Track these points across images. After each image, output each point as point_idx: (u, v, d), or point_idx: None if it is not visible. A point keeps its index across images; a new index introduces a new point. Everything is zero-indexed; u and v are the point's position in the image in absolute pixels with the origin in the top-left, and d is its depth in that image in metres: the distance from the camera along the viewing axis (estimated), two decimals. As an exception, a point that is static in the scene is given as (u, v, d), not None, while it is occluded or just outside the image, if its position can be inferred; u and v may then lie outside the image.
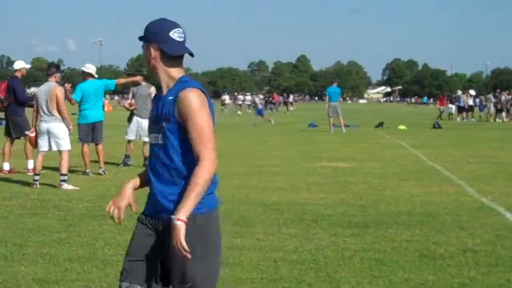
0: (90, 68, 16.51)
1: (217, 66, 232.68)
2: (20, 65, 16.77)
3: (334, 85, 35.54)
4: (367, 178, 15.22)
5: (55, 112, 13.93)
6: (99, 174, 15.74)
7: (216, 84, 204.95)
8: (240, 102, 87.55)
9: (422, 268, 7.62)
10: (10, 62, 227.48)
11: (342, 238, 9.14)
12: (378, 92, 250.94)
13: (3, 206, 11.42)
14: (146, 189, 4.46)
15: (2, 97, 16.32)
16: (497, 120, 51.47)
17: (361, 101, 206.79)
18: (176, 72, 4.31)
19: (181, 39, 4.32)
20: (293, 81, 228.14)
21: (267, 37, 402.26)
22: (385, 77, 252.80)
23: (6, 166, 16.19)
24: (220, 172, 15.30)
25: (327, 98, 34.97)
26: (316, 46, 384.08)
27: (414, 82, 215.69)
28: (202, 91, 4.21)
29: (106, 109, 79.63)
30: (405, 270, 7.51)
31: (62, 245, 8.65)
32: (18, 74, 16.58)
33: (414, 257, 8.11)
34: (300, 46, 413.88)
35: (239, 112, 75.10)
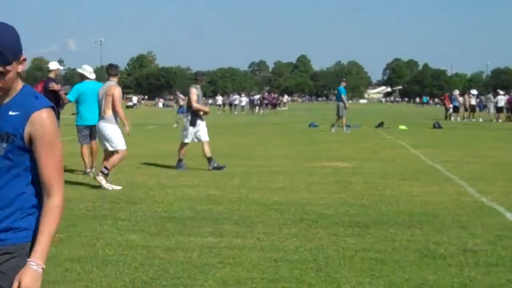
0: (86, 69, 16.55)
1: (218, 66, 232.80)
2: (54, 66, 17.12)
3: (341, 85, 35.46)
4: (368, 178, 15.22)
5: (108, 112, 13.85)
6: (86, 174, 15.87)
7: (216, 84, 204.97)
8: (219, 102, 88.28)
9: (423, 268, 7.61)
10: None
11: (342, 238, 9.14)
12: (378, 92, 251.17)
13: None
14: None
15: None
16: (499, 120, 51.51)
17: (361, 101, 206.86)
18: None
19: None
20: (294, 81, 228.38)
21: (267, 37, 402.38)
22: (385, 77, 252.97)
23: None
24: (221, 172, 15.29)
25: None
26: (317, 46, 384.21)
27: (415, 82, 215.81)
28: (53, 108, 3.62)
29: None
30: (406, 270, 7.50)
31: (62, 245, 8.64)
32: (52, 75, 16.82)
33: (414, 257, 8.11)
34: (300, 46, 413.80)
35: (218, 112, 75.66)
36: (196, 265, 7.68)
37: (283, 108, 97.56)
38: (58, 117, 15.76)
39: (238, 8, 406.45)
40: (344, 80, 37.16)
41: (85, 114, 16.20)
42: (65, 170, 16.24)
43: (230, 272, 7.38)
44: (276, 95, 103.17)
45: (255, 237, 9.15)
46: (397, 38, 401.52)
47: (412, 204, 11.83)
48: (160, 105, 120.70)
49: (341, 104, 34.02)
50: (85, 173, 15.89)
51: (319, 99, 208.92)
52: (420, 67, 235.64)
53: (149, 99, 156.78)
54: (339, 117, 34.23)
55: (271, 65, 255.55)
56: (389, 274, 7.34)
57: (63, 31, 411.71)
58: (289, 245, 8.71)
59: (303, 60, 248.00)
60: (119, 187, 13.53)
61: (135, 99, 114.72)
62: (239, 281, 7.07)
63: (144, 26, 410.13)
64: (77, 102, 16.32)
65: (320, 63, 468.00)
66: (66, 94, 16.64)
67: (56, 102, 16.43)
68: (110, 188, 13.34)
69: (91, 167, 16.11)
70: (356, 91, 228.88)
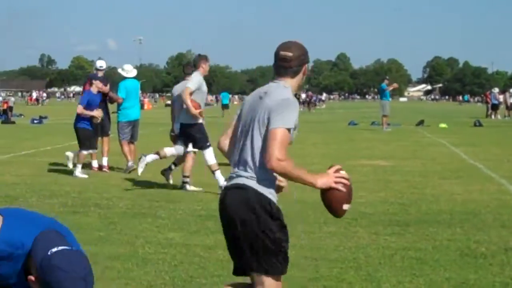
0: (125, 69, 16.93)
1: (257, 65, 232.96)
2: (103, 64, 17.51)
3: (384, 82, 35.46)
4: (408, 177, 15.13)
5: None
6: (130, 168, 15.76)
7: (255, 83, 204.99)
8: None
9: (463, 267, 7.55)
10: (51, 61, 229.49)
11: (382, 236, 9.10)
12: (418, 90, 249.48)
13: (44, 204, 11.53)
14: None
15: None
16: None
17: (401, 99, 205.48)
18: None
19: None
20: (333, 79, 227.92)
21: (306, 35, 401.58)
22: (425, 75, 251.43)
23: (104, 161, 16.61)
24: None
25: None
26: (356, 44, 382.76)
27: (455, 80, 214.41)
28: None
29: (146, 107, 79.92)
30: (446, 269, 7.45)
31: (102, 243, 8.70)
32: (100, 74, 17.02)
33: (455, 256, 8.05)
34: (339, 44, 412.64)
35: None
36: (236, 263, 7.68)
37: (322, 107, 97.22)
38: (108, 116, 15.96)
39: (275, 5, 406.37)
40: (387, 78, 37.29)
41: (129, 111, 16.56)
42: (110, 168, 16.43)
43: (270, 270, 7.37)
44: (314, 95, 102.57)
45: (295, 236, 9.10)
46: (437, 36, 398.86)
47: (452, 202, 11.74)
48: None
49: (382, 102, 34.01)
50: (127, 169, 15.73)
51: (358, 97, 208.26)
52: (461, 65, 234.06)
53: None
54: (385, 115, 34.13)
55: (310, 63, 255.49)
56: (429, 273, 7.29)
57: (103, 30, 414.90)
58: (329, 243, 8.70)
59: (342, 58, 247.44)
60: (201, 188, 13.43)
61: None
62: (278, 280, 7.05)
63: (183, 24, 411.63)
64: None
65: (359, 61, 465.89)
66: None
67: (104, 101, 16.67)
68: (200, 189, 13.32)
69: (129, 161, 16.06)
70: (395, 89, 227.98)
